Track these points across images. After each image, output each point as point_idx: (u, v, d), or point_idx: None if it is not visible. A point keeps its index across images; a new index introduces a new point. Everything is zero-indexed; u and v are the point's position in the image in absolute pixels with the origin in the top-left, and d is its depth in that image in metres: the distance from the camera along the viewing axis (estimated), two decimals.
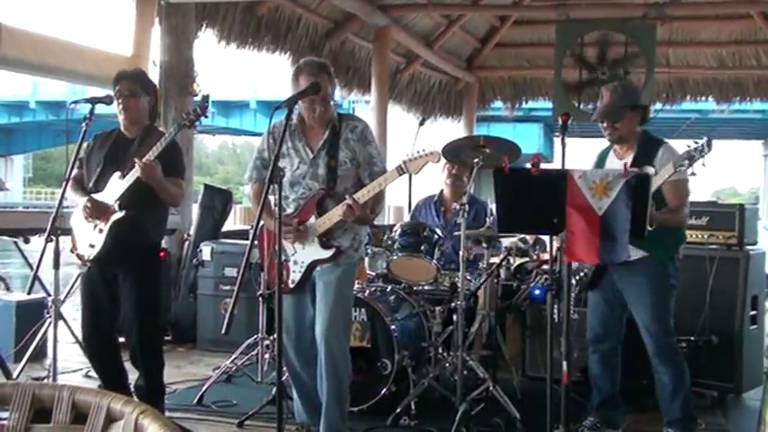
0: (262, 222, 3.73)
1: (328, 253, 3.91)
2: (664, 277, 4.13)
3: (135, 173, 4.05)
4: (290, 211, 3.95)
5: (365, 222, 4.07)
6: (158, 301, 4.56)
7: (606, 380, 4.39)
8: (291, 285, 3.95)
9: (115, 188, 4.17)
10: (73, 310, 6.02)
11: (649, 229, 3.91)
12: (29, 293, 5.13)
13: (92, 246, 4.23)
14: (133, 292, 4.28)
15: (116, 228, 4.15)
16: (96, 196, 4.22)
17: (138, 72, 4.52)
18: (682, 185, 4.08)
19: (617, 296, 4.28)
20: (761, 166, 36.45)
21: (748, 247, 5.08)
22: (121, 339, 4.49)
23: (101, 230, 4.19)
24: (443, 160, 4.87)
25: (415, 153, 3.79)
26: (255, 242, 3.56)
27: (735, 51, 10.26)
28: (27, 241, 5.74)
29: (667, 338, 4.17)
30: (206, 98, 4.23)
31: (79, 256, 4.32)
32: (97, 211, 4.17)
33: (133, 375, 4.52)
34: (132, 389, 4.42)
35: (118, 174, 4.17)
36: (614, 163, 4.27)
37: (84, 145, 4.32)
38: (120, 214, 4.11)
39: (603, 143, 4.43)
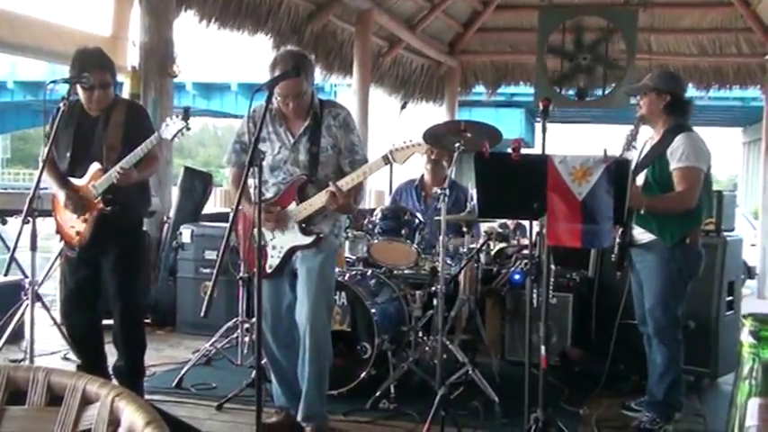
0: (240, 206, 3.71)
1: (308, 239, 3.89)
2: (669, 261, 4.15)
3: (112, 176, 4.07)
4: (269, 195, 3.93)
5: (348, 211, 4.06)
6: (140, 279, 4.61)
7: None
8: (269, 270, 3.94)
9: (95, 180, 4.17)
10: (48, 296, 5.96)
11: (641, 212, 4.07)
12: (5, 275, 5.07)
13: (78, 233, 4.27)
14: (116, 271, 4.33)
15: (101, 216, 4.19)
16: (75, 181, 4.23)
17: (105, 58, 4.33)
18: (686, 173, 4.09)
19: (640, 280, 4.34)
20: (740, 153, 36.70)
21: (726, 234, 5.12)
22: (105, 322, 4.51)
23: (85, 220, 4.23)
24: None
25: (401, 143, 3.77)
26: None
27: (715, 39, 10.30)
28: (4, 222, 5.69)
29: (667, 322, 4.20)
30: (187, 109, 4.18)
31: (66, 243, 4.35)
32: (81, 205, 4.19)
33: (112, 358, 4.52)
34: (111, 370, 4.44)
35: (96, 165, 4.17)
36: (646, 147, 4.35)
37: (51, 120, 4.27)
38: (106, 209, 4.15)
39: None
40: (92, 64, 4.18)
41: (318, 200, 3.82)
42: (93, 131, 4.24)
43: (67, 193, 4.18)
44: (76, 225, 4.25)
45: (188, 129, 4.09)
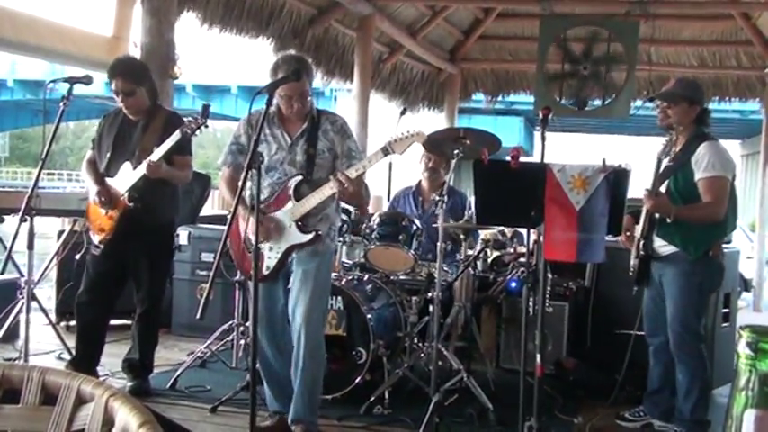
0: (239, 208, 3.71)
1: (306, 237, 3.88)
2: (691, 275, 4.09)
3: (143, 169, 4.26)
4: (264, 195, 3.91)
5: (358, 199, 4.11)
6: (166, 279, 4.93)
7: (654, 373, 4.44)
8: (266, 272, 3.92)
9: (126, 177, 4.37)
10: (44, 296, 5.97)
11: (667, 221, 3.99)
12: (1, 273, 5.07)
13: (101, 230, 4.44)
14: (146, 270, 4.55)
15: (126, 215, 4.36)
16: (108, 181, 4.43)
17: (129, 66, 4.60)
18: (713, 183, 4.01)
19: (661, 293, 4.28)
20: (738, 166, 36.85)
21: (722, 246, 5.11)
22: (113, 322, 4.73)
23: (111, 217, 4.40)
24: (422, 151, 4.89)
25: (400, 134, 3.80)
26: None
27: (715, 51, 10.31)
28: (1, 221, 5.68)
29: (688, 336, 4.13)
30: (207, 107, 4.41)
31: (91, 238, 4.54)
32: (108, 200, 4.37)
33: (108, 359, 4.54)
34: (121, 362, 4.71)
35: (128, 164, 4.37)
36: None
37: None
38: (129, 205, 4.34)
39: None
40: (115, 72, 4.45)
41: (327, 188, 3.78)
42: (132, 135, 4.46)
43: (99, 189, 4.39)
44: (102, 222, 4.43)
45: (206, 126, 4.31)
